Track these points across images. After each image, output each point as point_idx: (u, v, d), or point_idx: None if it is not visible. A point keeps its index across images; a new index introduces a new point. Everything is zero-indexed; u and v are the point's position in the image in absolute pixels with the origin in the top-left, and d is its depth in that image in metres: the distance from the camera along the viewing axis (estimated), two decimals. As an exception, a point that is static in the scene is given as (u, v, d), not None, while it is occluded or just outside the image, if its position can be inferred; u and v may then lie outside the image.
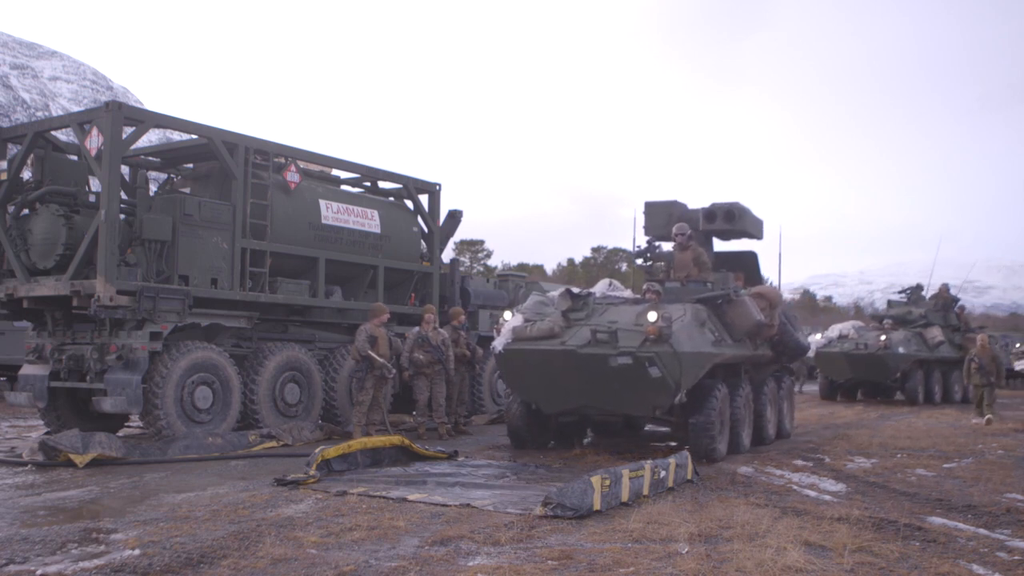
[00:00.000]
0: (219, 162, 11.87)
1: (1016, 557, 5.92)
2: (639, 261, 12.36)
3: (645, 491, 7.61)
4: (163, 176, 14.03)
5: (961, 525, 6.91)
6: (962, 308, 24.92)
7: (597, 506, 6.90)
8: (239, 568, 5.24)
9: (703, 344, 10.01)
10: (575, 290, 10.89)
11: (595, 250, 75.34)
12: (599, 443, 11.56)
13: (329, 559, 5.46)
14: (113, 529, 6.26)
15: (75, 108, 78.22)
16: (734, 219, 12.68)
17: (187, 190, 12.50)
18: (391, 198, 14.96)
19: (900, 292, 25.84)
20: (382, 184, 14.94)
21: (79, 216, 11.07)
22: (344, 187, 14.46)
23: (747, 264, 13.73)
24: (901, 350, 21.08)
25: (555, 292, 11.10)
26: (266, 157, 12.26)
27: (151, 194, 12.29)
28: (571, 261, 75.45)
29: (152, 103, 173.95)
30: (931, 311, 23.68)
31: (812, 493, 8.28)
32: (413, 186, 14.81)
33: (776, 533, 6.24)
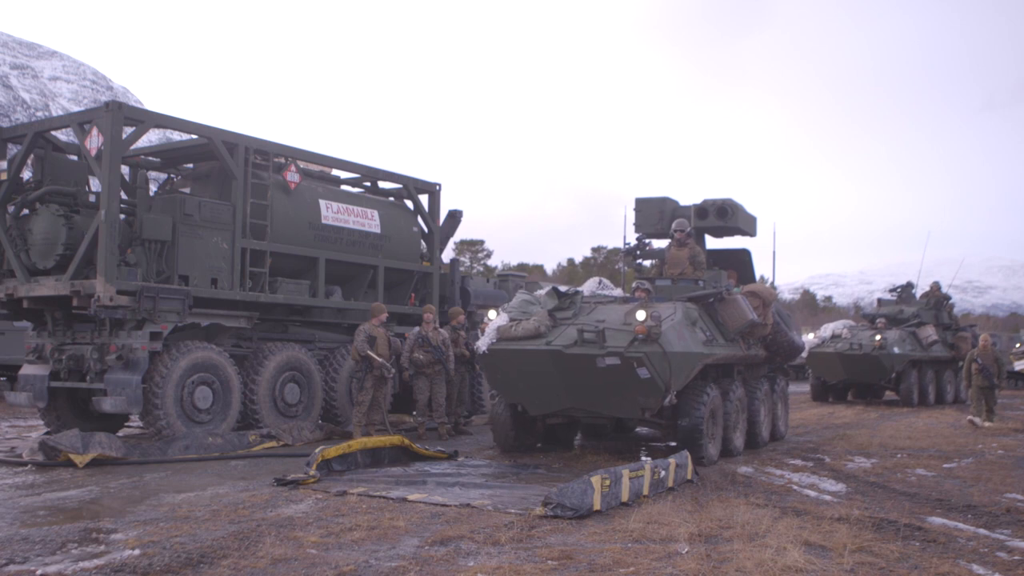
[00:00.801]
0: (219, 162, 11.88)
1: (1016, 557, 5.92)
2: (630, 259, 12.15)
3: (645, 491, 7.61)
4: (163, 176, 14.03)
5: (961, 525, 6.91)
6: (952, 306, 24.38)
7: (597, 506, 6.90)
8: (239, 568, 5.24)
9: (694, 344, 9.73)
10: (562, 288, 10.66)
11: (595, 250, 75.33)
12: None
13: (329, 559, 5.46)
14: (113, 529, 6.26)
15: (75, 108, 78.23)
16: (727, 216, 12.46)
17: (187, 190, 12.50)
18: (391, 198, 14.96)
19: (891, 290, 25.37)
20: (382, 184, 14.95)
21: (79, 216, 11.07)
22: (344, 187, 14.46)
23: (740, 262, 13.45)
24: (896, 350, 20.64)
25: (542, 290, 10.86)
26: (266, 157, 12.27)
27: (151, 194, 12.30)
28: (571, 261, 75.47)
29: (152, 103, 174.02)
30: (923, 309, 23.20)
31: (812, 493, 8.28)
32: (413, 186, 14.82)
33: (776, 533, 6.24)
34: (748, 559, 5.50)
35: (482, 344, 10.10)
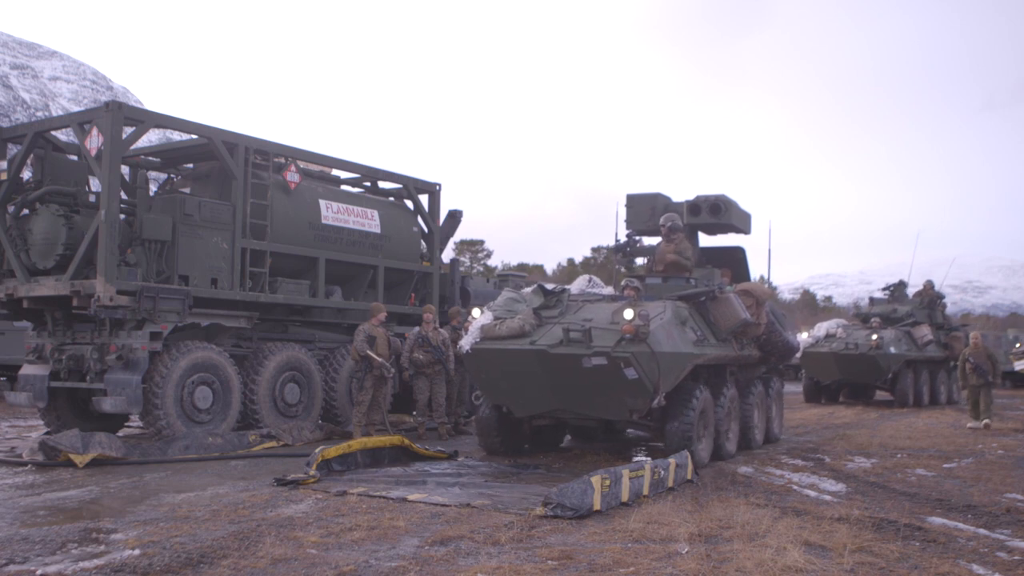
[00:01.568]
0: (219, 162, 11.88)
1: (1016, 557, 5.92)
2: (619, 255, 11.82)
3: (645, 491, 7.61)
4: (163, 176, 14.03)
5: (961, 525, 6.91)
6: (944, 305, 24.00)
7: (597, 506, 6.90)
8: (239, 568, 5.24)
9: (683, 344, 9.43)
10: (548, 286, 10.40)
11: (595, 250, 75.25)
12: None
13: (329, 559, 5.46)
14: (113, 529, 6.26)
15: (75, 108, 78.23)
16: (720, 212, 12.09)
17: (187, 190, 12.50)
18: (391, 198, 14.96)
19: (884, 289, 24.94)
20: (382, 184, 14.95)
21: (79, 216, 11.07)
22: (344, 187, 14.46)
23: (734, 260, 13.04)
24: (892, 350, 20.17)
25: (528, 288, 10.56)
26: (266, 157, 12.27)
27: (151, 194, 12.30)
28: (571, 261, 75.43)
29: (152, 103, 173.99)
30: (917, 309, 22.83)
31: (812, 493, 8.28)
32: (413, 186, 14.82)
33: (776, 533, 6.24)
34: (748, 559, 5.50)
35: (465, 343, 9.88)
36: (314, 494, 7.68)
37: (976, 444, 12.83)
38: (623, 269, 11.86)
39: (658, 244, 11.54)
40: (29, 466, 9.25)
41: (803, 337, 20.85)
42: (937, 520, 7.09)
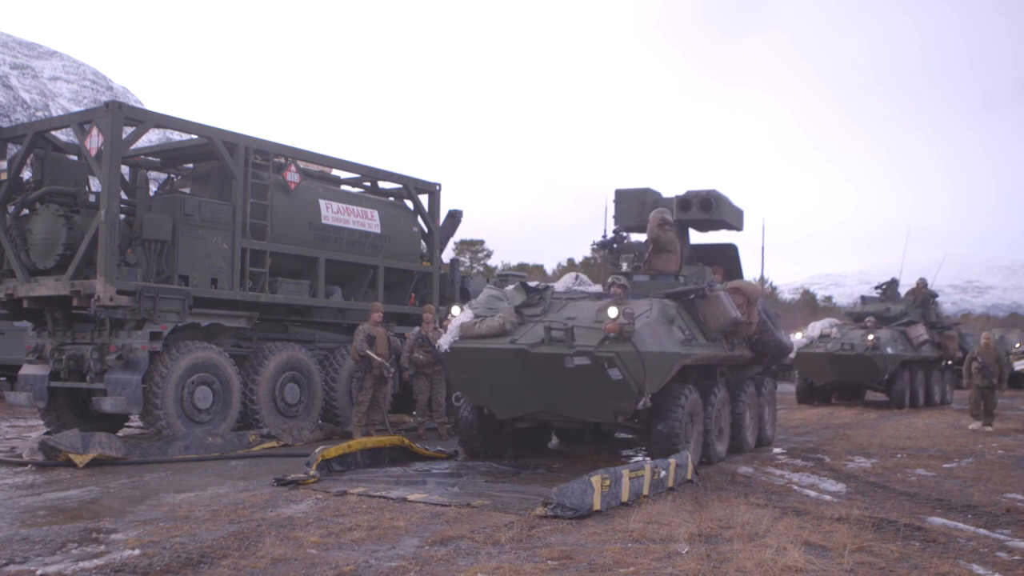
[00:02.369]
0: (219, 162, 11.88)
1: (1016, 557, 5.93)
2: (604, 252, 11.34)
3: (645, 491, 7.61)
4: (163, 176, 14.04)
5: (961, 525, 6.91)
6: (936, 303, 23.54)
7: (597, 506, 6.90)
8: (239, 568, 5.24)
9: (670, 343, 9.09)
10: (531, 283, 10.13)
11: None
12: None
13: (329, 559, 5.46)
14: (113, 529, 6.27)
15: (75, 108, 78.22)
16: (710, 208, 11.47)
17: (187, 190, 12.51)
18: (391, 198, 14.96)
19: (876, 287, 24.41)
20: (382, 184, 14.95)
21: (79, 216, 11.08)
22: (344, 187, 14.46)
23: (726, 257, 12.53)
24: (889, 350, 19.71)
25: (511, 286, 10.22)
26: (266, 157, 12.27)
27: (151, 194, 12.30)
28: (571, 261, 75.43)
29: (152, 103, 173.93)
30: (910, 307, 22.33)
31: (812, 493, 8.28)
32: (413, 186, 14.82)
33: (776, 533, 6.24)
34: (748, 559, 5.50)
35: (444, 342, 9.55)
36: (314, 494, 7.68)
37: (976, 444, 12.83)
38: (616, 268, 11.53)
39: (644, 242, 11.08)
40: (29, 466, 9.25)
41: (796, 337, 20.37)
42: (937, 520, 7.09)
